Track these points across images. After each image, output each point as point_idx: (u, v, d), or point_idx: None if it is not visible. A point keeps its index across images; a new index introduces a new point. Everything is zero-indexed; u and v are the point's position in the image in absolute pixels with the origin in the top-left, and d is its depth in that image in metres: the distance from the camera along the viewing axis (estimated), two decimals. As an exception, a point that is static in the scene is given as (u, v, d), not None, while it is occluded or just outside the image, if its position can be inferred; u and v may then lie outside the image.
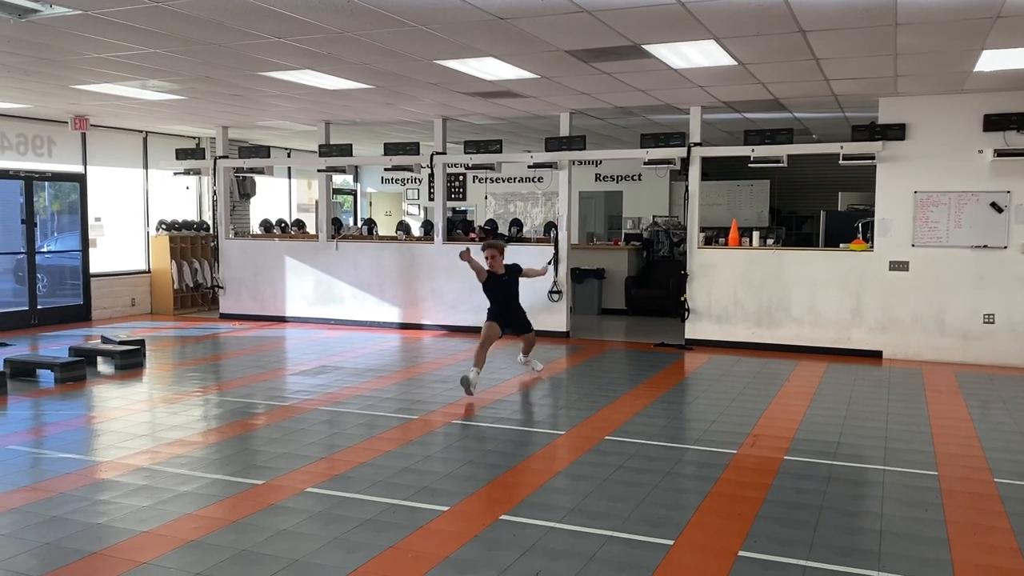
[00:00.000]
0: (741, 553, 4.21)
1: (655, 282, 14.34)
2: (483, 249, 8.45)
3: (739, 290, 10.85)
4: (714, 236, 11.67)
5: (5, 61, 8.13)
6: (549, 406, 7.99)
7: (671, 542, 4.35)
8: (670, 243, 15.23)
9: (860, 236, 10.78)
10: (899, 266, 10.08)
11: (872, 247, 10.27)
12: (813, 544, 4.33)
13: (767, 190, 16.72)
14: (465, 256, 7.89)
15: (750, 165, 10.69)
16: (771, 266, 10.69)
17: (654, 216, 16.73)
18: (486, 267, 8.26)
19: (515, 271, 8.51)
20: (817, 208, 14.72)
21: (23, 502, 4.94)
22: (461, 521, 4.65)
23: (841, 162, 10.19)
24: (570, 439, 6.52)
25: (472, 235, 13.20)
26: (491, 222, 13.76)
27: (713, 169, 16.38)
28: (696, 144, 10.92)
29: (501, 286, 8.32)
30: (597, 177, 18.12)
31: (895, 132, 9.92)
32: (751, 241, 11.11)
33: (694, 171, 11.01)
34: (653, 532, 4.49)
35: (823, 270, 10.45)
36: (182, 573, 3.94)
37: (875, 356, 10.17)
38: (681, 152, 10.93)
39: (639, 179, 17.63)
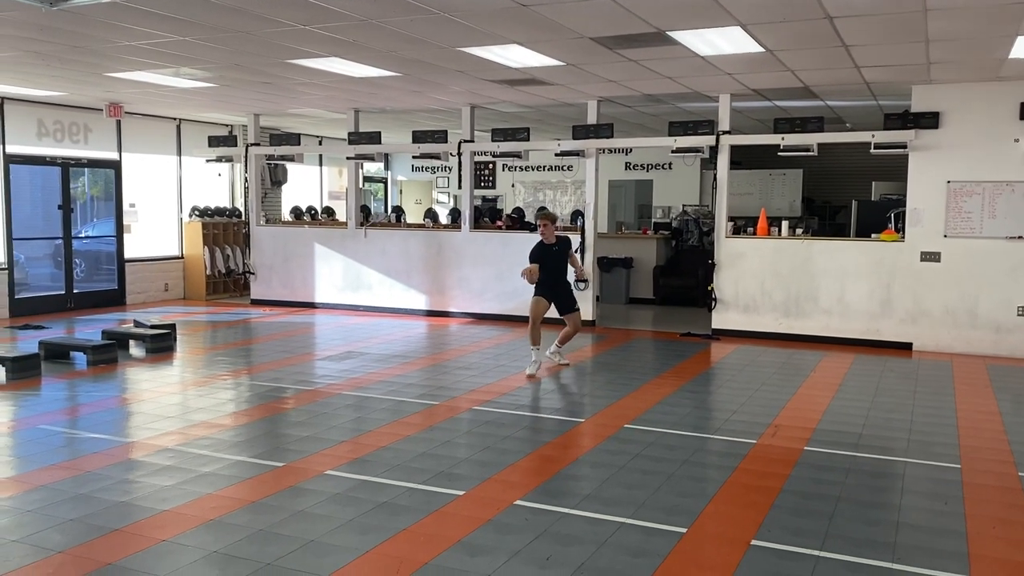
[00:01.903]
0: (754, 542, 4.20)
1: (684, 271, 14.25)
2: (536, 218, 8.95)
3: (767, 280, 10.75)
4: (744, 225, 11.57)
5: (40, 49, 8.28)
6: (571, 394, 8.00)
7: (684, 530, 4.35)
8: (699, 232, 15.12)
9: (891, 226, 10.62)
10: (931, 257, 9.92)
11: (903, 237, 10.12)
12: (828, 535, 4.30)
13: (800, 179, 16.51)
14: (527, 271, 8.34)
15: (779, 153, 10.57)
16: (800, 256, 10.58)
17: (683, 205, 16.61)
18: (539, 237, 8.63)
19: (566, 244, 8.66)
20: (851, 198, 14.51)
21: (52, 480, 5.07)
22: (476, 505, 4.69)
23: (872, 151, 10.03)
24: (590, 427, 6.53)
25: (499, 223, 13.21)
26: (518, 210, 13.75)
27: (745, 158, 16.25)
28: (725, 132, 10.81)
29: (551, 256, 8.48)
30: (627, 166, 18.01)
31: (928, 120, 9.74)
32: (780, 231, 10.99)
33: (723, 159, 10.91)
34: (667, 520, 4.49)
35: (852, 261, 10.31)
36: (200, 551, 4.03)
37: (905, 348, 10.03)
38: (710, 140, 10.83)
39: (669, 168, 17.49)
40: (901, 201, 10.76)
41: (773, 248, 10.76)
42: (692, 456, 5.71)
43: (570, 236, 8.76)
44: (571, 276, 8.90)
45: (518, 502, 4.73)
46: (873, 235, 10.55)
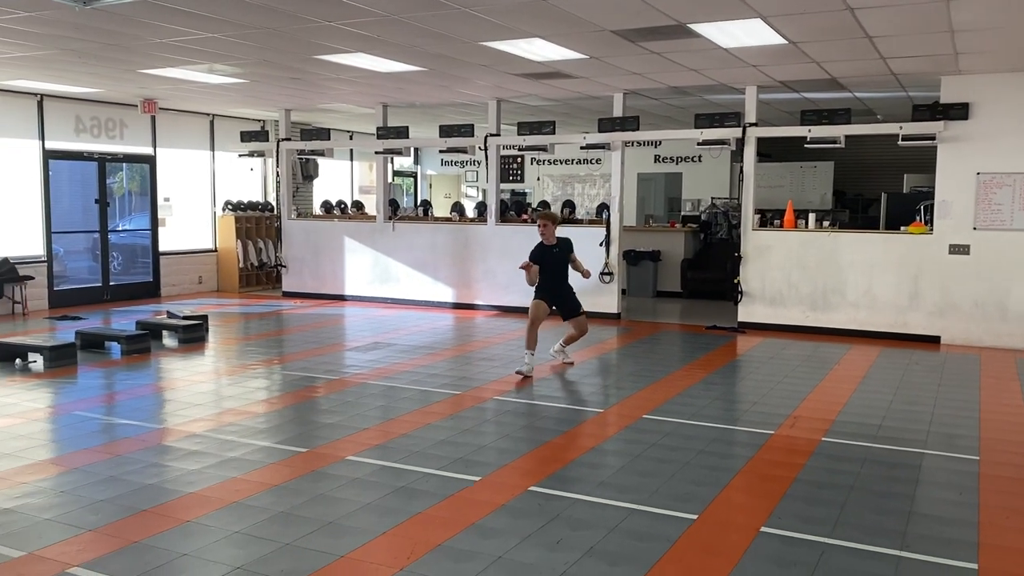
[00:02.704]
0: (763, 529, 4.25)
1: (712, 265, 14.21)
2: (536, 219, 8.35)
3: (794, 273, 10.71)
4: (772, 218, 11.53)
5: (75, 47, 8.52)
6: (592, 385, 8.06)
7: (695, 516, 4.41)
8: (728, 225, 15.05)
9: (919, 219, 10.53)
10: (959, 249, 9.81)
11: (931, 230, 10.03)
12: (838, 523, 4.34)
13: (831, 172, 16.37)
14: (526, 266, 7.99)
15: (806, 146, 10.53)
16: (827, 249, 10.53)
17: (712, 198, 16.56)
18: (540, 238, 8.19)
19: (567, 246, 8.25)
20: (883, 190, 14.37)
21: (85, 463, 5.26)
22: (490, 491, 4.79)
23: (900, 143, 9.96)
24: (608, 417, 6.61)
25: (524, 216, 13.29)
26: (544, 203, 13.82)
27: (776, 150, 16.16)
28: (751, 124, 10.77)
29: (551, 258, 8.10)
30: (656, 158, 18.00)
31: (958, 111, 9.64)
32: (807, 223, 10.95)
33: (749, 152, 10.87)
34: (678, 507, 4.55)
35: (880, 253, 10.24)
36: (221, 531, 4.17)
37: (933, 341, 9.94)
38: (736, 132, 10.80)
39: (699, 160, 17.44)
40: (931, 193, 10.67)
41: (800, 241, 10.72)
42: (708, 446, 5.75)
43: (572, 241, 8.37)
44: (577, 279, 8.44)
45: (532, 488, 4.83)
46: (902, 228, 10.46)
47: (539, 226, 8.15)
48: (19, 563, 3.80)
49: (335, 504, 4.55)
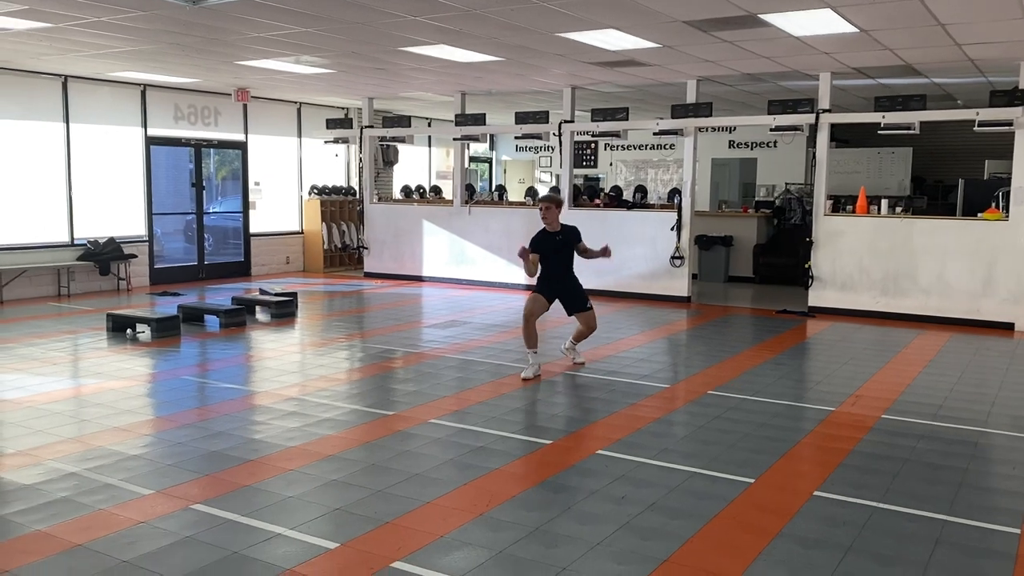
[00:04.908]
0: (816, 493, 4.54)
1: (785, 250, 14.25)
2: (538, 202, 7.70)
3: (865, 258, 10.77)
4: (844, 203, 11.57)
5: (181, 42, 9.18)
6: (660, 363, 8.37)
7: (752, 480, 4.73)
8: (802, 211, 15.03)
9: (995, 205, 10.46)
10: (1036, 236, 9.76)
11: (1007, 217, 9.98)
12: (889, 490, 4.59)
13: (909, 158, 16.18)
14: (523, 254, 7.26)
15: (879, 132, 10.56)
16: (899, 234, 10.55)
17: (786, 183, 16.54)
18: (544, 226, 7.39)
19: (572, 234, 7.42)
20: (963, 177, 14.19)
21: (195, 420, 5.86)
22: (560, 453, 5.19)
23: (976, 128, 9.91)
24: (674, 391, 6.93)
25: (597, 201, 13.58)
26: (616, 188, 14.08)
27: (854, 136, 16.06)
28: (825, 111, 10.84)
29: (553, 246, 7.30)
30: (731, 144, 18.02)
31: (1037, 97, 9.57)
32: (879, 209, 10.98)
33: (822, 138, 10.95)
34: (736, 471, 4.87)
35: (953, 239, 10.23)
36: (322, 479, 4.68)
37: (1006, 328, 9.91)
38: (809, 118, 10.89)
39: (774, 146, 17.40)
40: (1011, 180, 10.56)
41: (872, 226, 10.77)
42: (770, 420, 6.02)
43: (579, 230, 7.61)
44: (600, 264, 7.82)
45: (600, 451, 5.21)
46: (978, 214, 10.42)
47: (541, 209, 7.35)
48: (151, 499, 4.37)
49: (420, 459, 5.02)
